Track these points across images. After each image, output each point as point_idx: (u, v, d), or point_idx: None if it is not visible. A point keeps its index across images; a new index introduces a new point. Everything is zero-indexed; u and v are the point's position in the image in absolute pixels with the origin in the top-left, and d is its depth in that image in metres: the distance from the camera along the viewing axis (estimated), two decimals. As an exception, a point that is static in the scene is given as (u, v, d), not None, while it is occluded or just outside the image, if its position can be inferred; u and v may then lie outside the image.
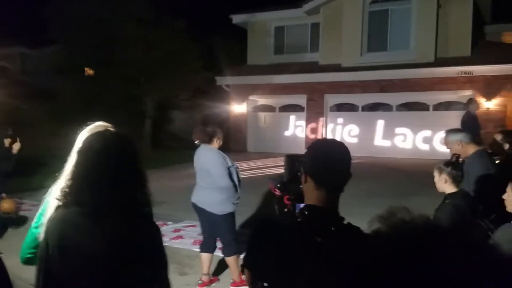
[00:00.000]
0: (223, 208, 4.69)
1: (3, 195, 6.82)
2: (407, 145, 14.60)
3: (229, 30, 20.01)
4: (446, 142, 4.42)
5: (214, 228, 4.84)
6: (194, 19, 19.94)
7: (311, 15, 16.21)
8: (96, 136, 1.73)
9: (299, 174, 1.76)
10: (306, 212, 1.64)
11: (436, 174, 3.62)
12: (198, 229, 5.47)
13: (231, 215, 4.79)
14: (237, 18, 18.11)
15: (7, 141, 5.95)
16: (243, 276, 4.98)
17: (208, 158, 4.71)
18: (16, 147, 5.98)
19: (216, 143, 4.82)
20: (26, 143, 6.13)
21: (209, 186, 4.71)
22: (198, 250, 5.10)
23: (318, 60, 16.05)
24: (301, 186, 1.76)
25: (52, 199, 2.02)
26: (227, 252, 4.79)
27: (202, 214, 4.83)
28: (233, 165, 4.83)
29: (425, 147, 14.25)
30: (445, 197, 3.57)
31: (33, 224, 2.12)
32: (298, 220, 1.63)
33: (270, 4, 18.21)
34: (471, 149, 4.26)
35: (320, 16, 15.95)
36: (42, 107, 16.81)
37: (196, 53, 17.04)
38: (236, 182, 4.78)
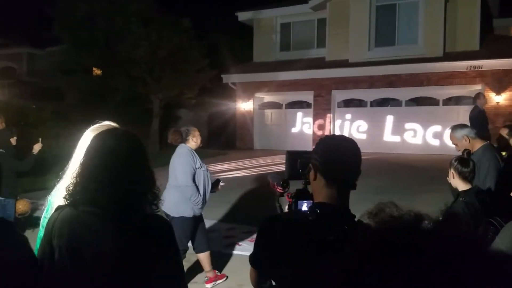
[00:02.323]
0: (177, 209, 4.60)
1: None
2: (417, 140, 14.49)
3: (235, 27, 19.99)
4: (451, 138, 4.36)
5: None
6: (200, 17, 19.89)
7: (318, 11, 16.12)
8: (107, 135, 1.70)
9: (300, 171, 1.72)
10: (318, 210, 1.61)
11: (448, 169, 3.57)
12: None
13: (185, 220, 4.62)
14: (242, 16, 18.08)
15: (13, 140, 5.96)
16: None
17: (176, 155, 4.70)
18: (37, 147, 6.00)
19: (193, 141, 4.73)
20: (34, 143, 6.11)
21: (170, 184, 4.70)
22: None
23: (325, 56, 15.97)
24: (302, 183, 1.72)
25: (56, 198, 1.99)
26: None
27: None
28: (201, 167, 4.70)
29: (435, 142, 14.12)
30: (458, 194, 3.50)
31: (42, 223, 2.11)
32: (310, 218, 1.60)
33: (276, 1, 18.15)
34: (478, 143, 4.23)
35: (326, 12, 15.86)
36: (49, 106, 16.88)
37: (201, 51, 17.02)
38: (202, 186, 4.67)
